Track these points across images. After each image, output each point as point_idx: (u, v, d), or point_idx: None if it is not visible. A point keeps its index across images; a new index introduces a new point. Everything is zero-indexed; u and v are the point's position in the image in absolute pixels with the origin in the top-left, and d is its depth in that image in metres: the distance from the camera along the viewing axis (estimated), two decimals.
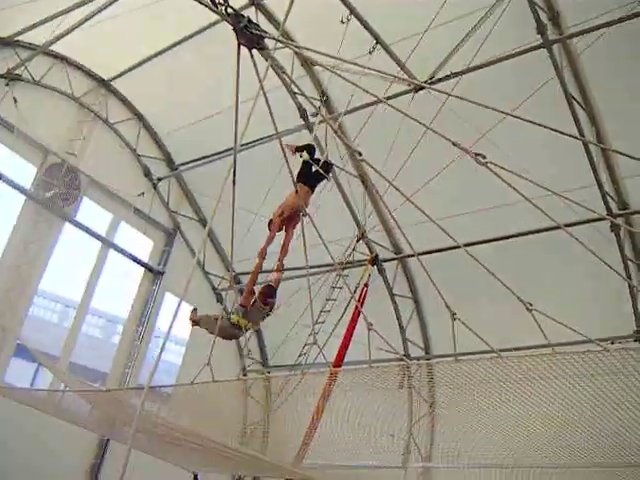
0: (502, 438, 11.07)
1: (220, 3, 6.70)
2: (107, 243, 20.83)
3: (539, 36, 13.45)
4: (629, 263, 15.65)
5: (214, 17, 14.32)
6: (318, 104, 17.10)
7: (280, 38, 7.48)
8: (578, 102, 14.31)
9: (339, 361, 15.24)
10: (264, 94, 7.18)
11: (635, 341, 15.90)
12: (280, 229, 11.55)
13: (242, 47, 6.74)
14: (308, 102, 16.04)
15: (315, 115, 17.25)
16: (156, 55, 18.50)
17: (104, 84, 20.51)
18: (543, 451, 11.26)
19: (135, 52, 18.68)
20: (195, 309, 12.40)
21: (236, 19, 6.55)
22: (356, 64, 7.58)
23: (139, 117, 21.57)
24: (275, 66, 6.94)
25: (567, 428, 10.22)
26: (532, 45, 13.67)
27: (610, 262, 8.05)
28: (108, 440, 19.51)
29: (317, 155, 13.13)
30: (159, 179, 21.99)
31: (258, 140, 17.42)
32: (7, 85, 17.74)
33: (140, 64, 18.99)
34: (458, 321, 8.37)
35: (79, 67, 19.85)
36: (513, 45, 13.88)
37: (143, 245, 22.08)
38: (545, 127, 6.92)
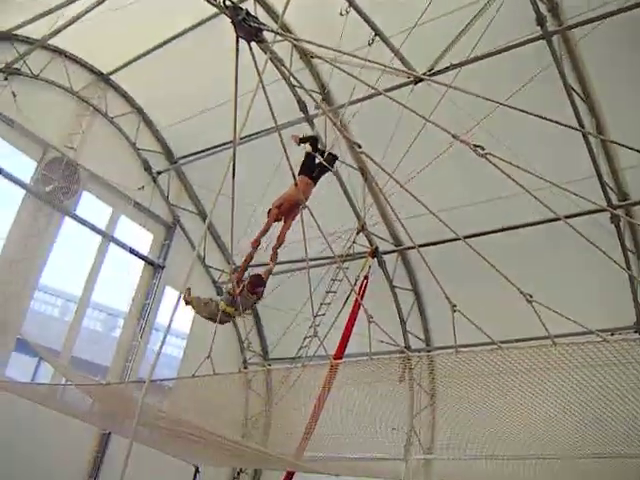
0: (503, 429, 11.10)
1: None
2: (107, 237, 20.84)
3: (538, 27, 13.44)
4: (629, 254, 15.65)
5: (213, 10, 14.32)
6: (318, 97, 17.10)
7: (279, 31, 7.46)
8: (577, 93, 14.30)
9: (340, 353, 15.26)
10: (263, 87, 7.17)
11: (635, 332, 15.91)
12: (278, 220, 11.51)
13: (241, 40, 6.72)
14: (307, 95, 16.03)
15: (317, 108, 17.22)
16: (155, 49, 18.49)
17: (103, 78, 20.51)
18: (543, 441, 11.29)
19: (134, 46, 18.66)
20: (189, 289, 12.47)
21: (234, 12, 6.53)
22: (355, 56, 7.57)
23: (138, 111, 21.56)
24: (274, 59, 6.92)
25: (567, 419, 10.25)
26: (531, 37, 13.66)
27: (610, 253, 8.04)
28: (110, 433, 19.55)
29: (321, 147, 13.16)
30: (159, 172, 22.00)
31: (258, 133, 17.40)
32: (6, 79, 17.72)
33: (139, 58, 18.98)
34: (458, 313, 8.37)
35: (78, 61, 19.84)
36: (512, 37, 13.86)
37: (143, 239, 22.09)
38: (544, 118, 6.92)
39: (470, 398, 10.59)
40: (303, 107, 18.05)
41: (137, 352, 20.91)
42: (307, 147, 11.72)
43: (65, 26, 15.10)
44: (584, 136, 14.49)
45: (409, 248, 19.43)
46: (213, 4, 7.00)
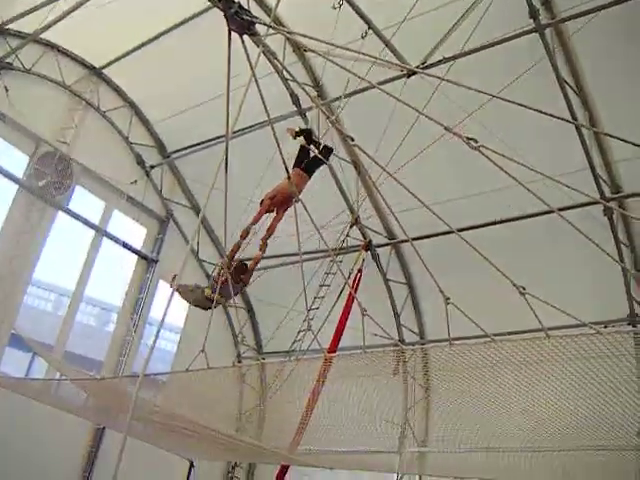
0: (497, 422, 11.13)
1: None
2: (100, 231, 20.79)
3: (531, 20, 13.44)
4: (622, 247, 15.69)
5: (205, 3, 14.26)
6: (311, 90, 17.08)
7: (271, 24, 7.46)
8: (570, 86, 14.32)
9: (334, 347, 15.28)
10: (256, 81, 7.16)
11: (628, 324, 15.96)
12: (270, 211, 11.51)
13: (233, 33, 6.71)
14: (300, 88, 16.02)
15: (312, 101, 17.21)
16: (147, 42, 18.45)
17: (95, 72, 20.45)
18: (537, 434, 11.32)
19: (126, 40, 18.61)
20: (175, 275, 12.53)
21: (227, 5, 6.52)
22: (348, 49, 7.56)
23: (131, 105, 21.51)
24: (267, 52, 6.91)
25: (561, 411, 10.28)
26: (524, 30, 13.66)
27: (603, 246, 8.06)
28: (104, 428, 19.54)
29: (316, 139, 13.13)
30: (152, 167, 21.96)
31: (251, 127, 17.38)
32: None
33: (131, 52, 18.94)
34: (452, 306, 8.39)
35: (70, 55, 19.77)
36: (505, 30, 13.86)
37: (136, 233, 22.05)
38: (537, 111, 6.92)
39: (464, 391, 10.61)
40: (296, 100, 18.04)
41: (131, 346, 20.91)
42: (300, 140, 11.72)
43: (57, 20, 14.92)
44: (577, 129, 14.52)
45: (403, 241, 19.46)
46: None
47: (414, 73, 13.96)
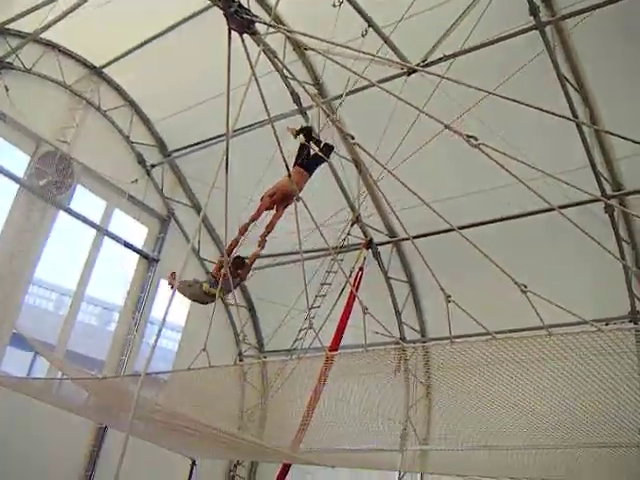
0: (498, 419, 11.12)
1: None
2: (101, 230, 20.80)
3: (532, 18, 13.43)
4: (623, 244, 15.68)
5: (205, 2, 14.26)
6: (312, 89, 17.08)
7: (272, 23, 7.46)
8: (571, 83, 14.31)
9: (335, 345, 15.27)
10: (256, 79, 7.15)
11: (630, 322, 15.95)
12: (269, 208, 11.52)
13: (233, 32, 6.71)
14: (300, 87, 16.01)
15: (312, 99, 17.21)
16: (148, 42, 18.44)
17: (96, 71, 20.44)
18: (539, 431, 11.31)
19: (126, 39, 18.61)
20: (174, 273, 12.60)
21: (226, 4, 6.51)
22: (349, 48, 7.55)
23: (131, 104, 21.51)
24: (267, 51, 6.91)
25: (562, 408, 10.27)
26: (525, 27, 13.65)
27: (604, 243, 8.06)
28: (106, 427, 19.55)
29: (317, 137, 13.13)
30: (152, 166, 21.96)
31: (251, 125, 17.38)
32: None
33: (132, 51, 18.93)
34: (453, 304, 8.39)
35: (70, 55, 19.77)
36: (506, 27, 13.86)
37: (137, 232, 22.04)
38: (537, 108, 6.92)
39: (466, 389, 10.60)
40: (296, 99, 18.03)
41: (132, 345, 20.91)
42: (300, 138, 11.73)
43: (57, 20, 14.99)
44: (578, 126, 14.51)
45: (404, 239, 19.46)
46: None
47: (414, 71, 13.96)
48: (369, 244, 18.97)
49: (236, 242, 11.31)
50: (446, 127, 6.89)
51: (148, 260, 22.12)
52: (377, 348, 9.88)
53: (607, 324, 14.25)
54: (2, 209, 18.17)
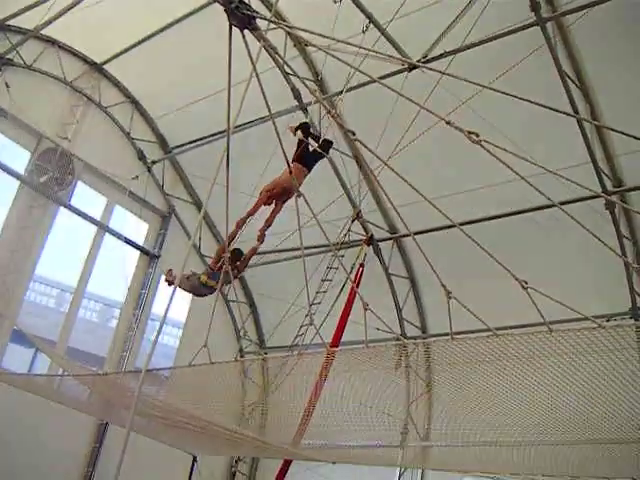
0: (499, 416, 11.12)
1: None
2: (102, 227, 20.82)
3: (532, 14, 13.41)
4: (624, 240, 15.68)
5: None
6: (312, 85, 17.07)
7: (272, 19, 7.44)
8: (572, 79, 14.30)
9: (336, 341, 15.27)
10: (257, 76, 7.14)
11: (631, 318, 15.96)
12: (268, 204, 11.53)
13: (234, 28, 6.70)
14: (301, 83, 16.01)
15: (312, 94, 17.19)
16: (148, 38, 18.43)
17: (96, 68, 20.43)
18: (540, 427, 11.32)
19: (127, 35, 18.61)
20: (170, 270, 12.67)
21: (227, 0, 6.51)
22: (349, 43, 7.55)
23: (132, 100, 21.52)
24: (268, 47, 6.90)
25: (563, 404, 10.27)
26: (525, 23, 13.63)
27: (605, 240, 8.04)
28: (107, 424, 19.57)
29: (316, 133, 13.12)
30: (153, 162, 21.94)
31: (252, 122, 17.38)
32: None
33: (132, 47, 18.93)
34: (454, 300, 8.37)
35: (71, 51, 19.77)
36: (506, 23, 13.84)
37: (138, 228, 22.04)
38: (538, 104, 6.91)
39: (466, 385, 10.61)
40: (297, 95, 18.01)
41: (133, 342, 20.94)
42: (298, 134, 11.73)
43: (58, 16, 14.99)
44: (579, 122, 14.50)
45: (405, 236, 19.48)
46: None
47: (415, 67, 13.93)
48: (370, 240, 18.97)
49: (233, 236, 11.34)
50: (447, 123, 6.88)
51: (149, 256, 22.13)
52: (378, 344, 9.87)
53: (608, 320, 14.29)
54: (3, 205, 18.20)
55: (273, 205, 11.67)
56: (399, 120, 13.76)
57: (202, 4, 16.85)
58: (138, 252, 22.05)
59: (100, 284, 21.96)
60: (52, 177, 18.88)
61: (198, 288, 12.05)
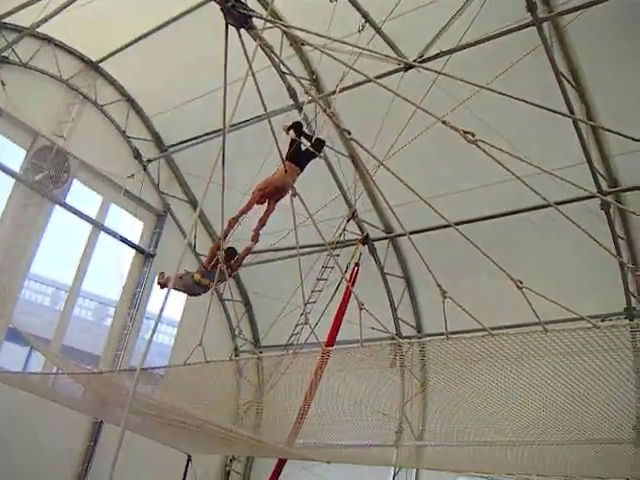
0: (493, 416, 11.14)
1: None
2: (97, 225, 20.81)
3: (529, 14, 13.42)
4: (619, 241, 15.71)
5: None
6: (307, 84, 17.06)
7: (269, 17, 7.44)
8: (567, 80, 14.31)
9: (331, 341, 15.26)
10: (253, 74, 7.14)
11: (625, 318, 15.99)
12: (260, 203, 11.50)
13: (230, 27, 6.69)
14: (297, 82, 15.99)
15: (305, 93, 17.18)
16: (144, 36, 18.42)
17: (92, 66, 20.42)
18: (534, 427, 11.34)
19: (123, 33, 18.58)
20: (162, 273, 12.68)
21: None
22: (345, 43, 7.55)
23: (128, 99, 21.50)
24: (264, 46, 6.89)
25: (558, 404, 10.29)
26: (522, 23, 13.64)
27: (600, 240, 8.05)
28: (102, 422, 19.56)
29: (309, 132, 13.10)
30: (149, 160, 21.92)
31: (248, 120, 17.36)
32: None
33: (128, 45, 18.91)
34: (449, 300, 8.38)
35: (67, 49, 19.75)
36: (503, 23, 13.85)
37: (134, 227, 22.04)
38: (534, 104, 6.91)
39: (461, 385, 10.61)
40: (293, 94, 18.00)
41: (128, 340, 20.93)
42: (290, 133, 11.72)
43: (54, 14, 14.97)
44: (574, 123, 14.51)
45: (400, 235, 19.48)
46: None
47: (411, 67, 13.92)
48: (365, 240, 18.94)
49: (226, 234, 11.33)
50: (443, 123, 6.88)
51: (144, 255, 22.13)
52: (373, 344, 9.87)
53: (603, 320, 14.27)
54: None
55: (266, 205, 11.64)
56: (395, 120, 13.77)
57: (198, 2, 16.84)
58: (133, 251, 22.04)
59: (95, 282, 21.95)
60: (47, 175, 18.87)
61: (192, 287, 12.04)
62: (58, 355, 18.13)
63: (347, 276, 15.34)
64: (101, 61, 20.30)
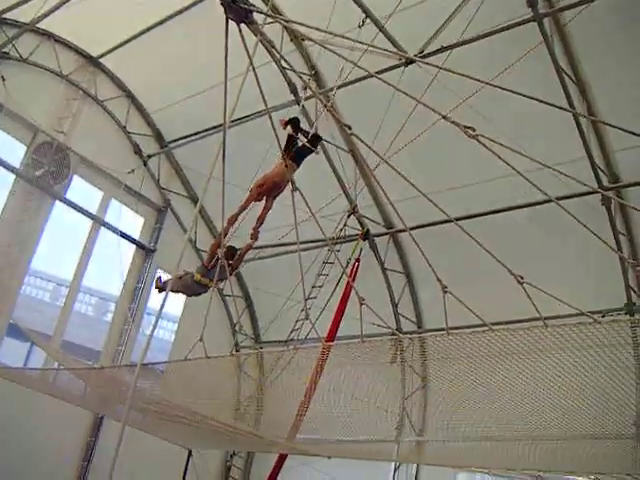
0: (494, 411, 11.13)
1: None
2: (98, 221, 20.80)
3: (529, 9, 13.41)
4: (620, 236, 15.69)
5: None
6: (307, 79, 17.04)
7: (269, 12, 7.44)
8: (568, 75, 14.30)
9: (331, 336, 15.27)
10: (253, 69, 7.14)
11: (626, 313, 15.98)
12: (258, 199, 11.44)
13: (231, 22, 6.69)
14: (298, 77, 15.99)
15: (305, 89, 17.17)
16: (145, 31, 18.39)
17: (92, 61, 20.40)
18: (535, 422, 11.33)
19: (124, 29, 18.56)
20: (160, 277, 12.65)
21: None
22: (347, 38, 7.54)
23: (128, 94, 21.48)
24: (264, 41, 6.89)
25: (558, 399, 10.28)
26: (522, 18, 13.63)
27: (601, 235, 8.05)
28: (103, 417, 19.58)
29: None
30: (149, 156, 21.92)
31: (248, 116, 17.35)
32: None
33: (129, 41, 18.88)
34: (450, 295, 8.37)
35: (67, 44, 19.73)
36: (504, 19, 13.84)
37: (134, 223, 22.03)
38: (535, 99, 6.91)
39: (462, 380, 10.61)
40: (293, 89, 17.97)
41: (129, 336, 20.93)
42: (288, 129, 11.69)
43: (54, 9, 14.95)
44: (575, 118, 14.50)
45: (400, 231, 19.47)
46: None
47: (412, 62, 13.90)
48: (366, 235, 18.95)
49: (225, 232, 11.31)
50: (443, 118, 6.88)
51: (145, 250, 22.13)
52: (373, 339, 9.87)
53: (603, 316, 14.27)
54: None
55: (264, 201, 11.59)
56: (396, 115, 13.75)
57: None
58: (134, 246, 22.04)
59: (96, 278, 21.95)
60: (48, 171, 18.86)
61: (192, 287, 11.95)
62: (59, 351, 18.13)
63: (348, 271, 15.35)
64: (101, 56, 20.27)
